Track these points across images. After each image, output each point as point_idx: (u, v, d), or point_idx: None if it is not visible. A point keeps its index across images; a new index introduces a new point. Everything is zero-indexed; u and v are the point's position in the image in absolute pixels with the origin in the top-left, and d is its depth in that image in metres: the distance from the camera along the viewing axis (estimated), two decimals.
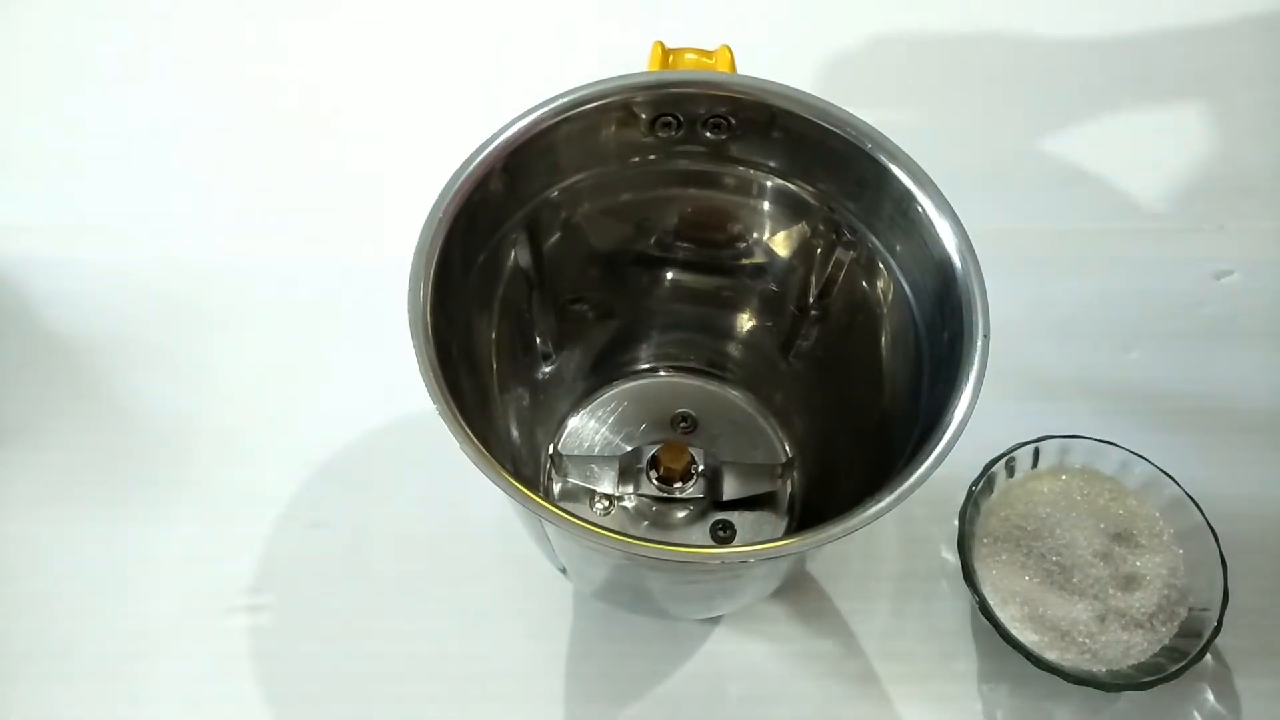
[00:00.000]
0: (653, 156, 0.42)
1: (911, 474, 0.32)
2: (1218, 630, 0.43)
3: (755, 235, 0.45)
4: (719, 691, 0.47)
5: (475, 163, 0.37)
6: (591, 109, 0.39)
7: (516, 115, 0.38)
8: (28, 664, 0.47)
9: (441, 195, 0.36)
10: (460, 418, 0.32)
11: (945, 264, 0.36)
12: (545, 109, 0.38)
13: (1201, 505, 0.46)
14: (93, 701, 0.46)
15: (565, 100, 0.38)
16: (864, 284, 0.42)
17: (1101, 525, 0.47)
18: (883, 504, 0.31)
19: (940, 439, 0.33)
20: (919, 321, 0.39)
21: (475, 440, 0.31)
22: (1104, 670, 0.44)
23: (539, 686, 0.47)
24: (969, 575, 0.45)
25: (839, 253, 0.42)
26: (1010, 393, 0.51)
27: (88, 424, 0.53)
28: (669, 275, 0.47)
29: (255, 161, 0.63)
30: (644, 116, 0.40)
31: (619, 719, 0.46)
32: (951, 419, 0.33)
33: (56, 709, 0.46)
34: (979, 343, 0.34)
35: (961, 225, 0.36)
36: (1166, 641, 0.45)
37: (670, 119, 0.40)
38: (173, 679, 0.47)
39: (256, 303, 0.57)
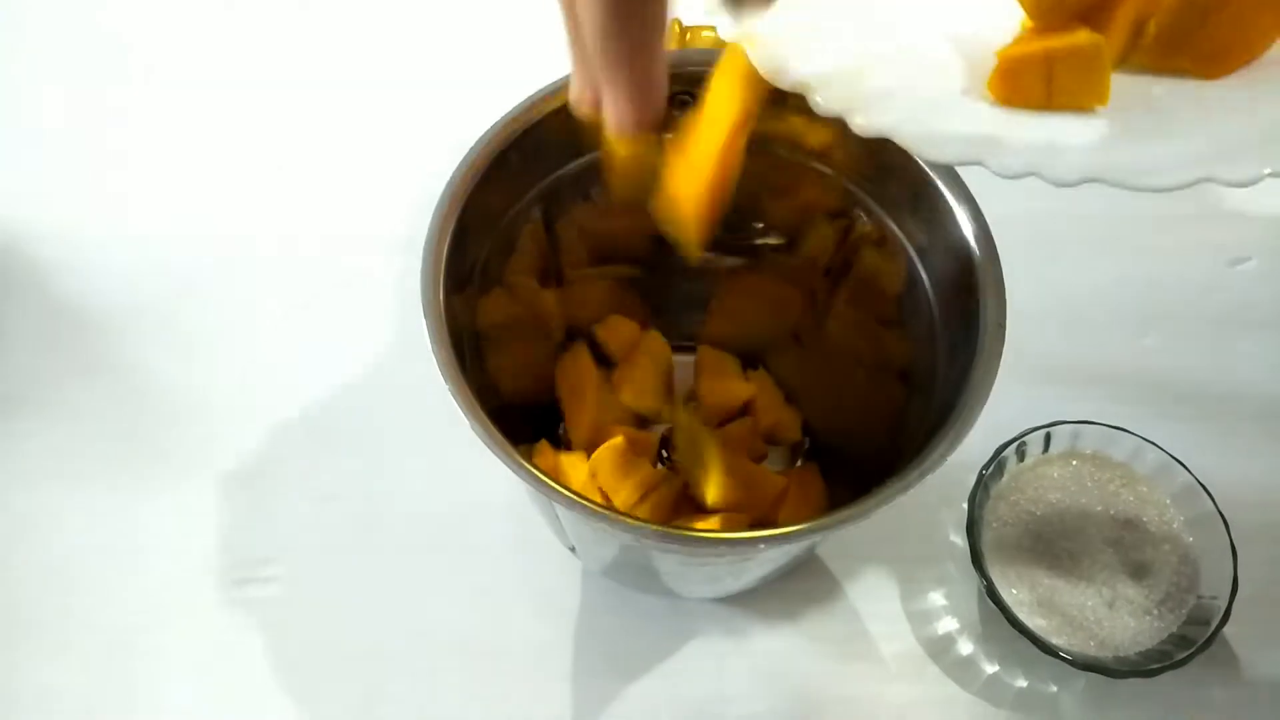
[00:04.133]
0: (668, 135, 0.41)
1: (924, 461, 0.32)
2: (1226, 619, 0.43)
3: (771, 215, 0.44)
4: (724, 668, 0.47)
5: (486, 142, 0.37)
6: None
7: (528, 95, 0.38)
8: (39, 633, 0.48)
9: (454, 177, 0.36)
10: (474, 399, 0.32)
11: (963, 250, 0.36)
12: (557, 87, 0.38)
13: (1213, 493, 0.45)
14: (103, 671, 0.47)
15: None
16: (880, 267, 0.42)
17: (1111, 512, 0.47)
18: (893, 491, 0.31)
19: (953, 427, 0.33)
20: (935, 306, 0.38)
21: (488, 421, 0.31)
22: (1111, 656, 0.44)
23: (546, 661, 0.47)
24: (977, 559, 0.45)
25: (856, 235, 0.42)
26: (1023, 376, 0.50)
27: (97, 395, 0.53)
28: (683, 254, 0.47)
29: (268, 134, 0.62)
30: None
31: (625, 694, 0.46)
32: (966, 406, 0.33)
33: (67, 678, 0.47)
34: (995, 331, 0.34)
35: (980, 212, 0.36)
36: (1174, 629, 0.44)
37: (686, 98, 0.40)
38: (182, 650, 0.47)
39: (268, 274, 0.57)
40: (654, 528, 0.31)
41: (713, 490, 0.42)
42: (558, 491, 0.31)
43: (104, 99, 0.64)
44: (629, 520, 0.31)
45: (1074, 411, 0.48)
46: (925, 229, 0.38)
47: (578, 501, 0.31)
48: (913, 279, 0.39)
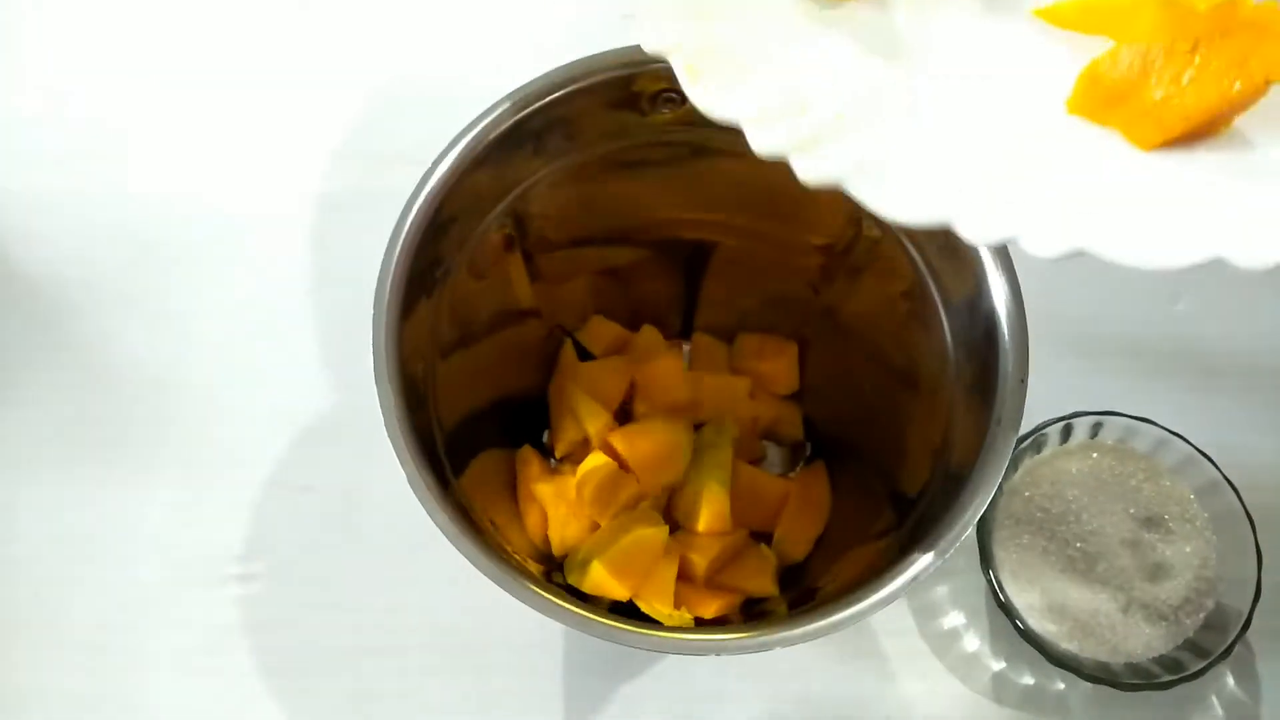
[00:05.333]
0: (647, 137, 0.36)
1: (939, 540, 0.30)
2: (1246, 626, 0.41)
3: (768, 221, 0.40)
4: (721, 664, 0.45)
5: (444, 166, 0.33)
6: (574, 90, 0.34)
7: (489, 106, 0.33)
8: (10, 633, 0.46)
9: (403, 215, 0.32)
10: (436, 488, 0.29)
11: (986, 301, 0.32)
12: (524, 94, 0.33)
13: (1242, 481, 0.42)
14: (84, 673, 0.46)
15: (542, 84, 0.33)
16: (888, 280, 0.37)
17: (1131, 510, 0.44)
18: (887, 593, 0.29)
19: (965, 509, 0.29)
20: (950, 342, 0.34)
21: (473, 538, 0.29)
22: (1122, 663, 0.42)
23: (538, 659, 0.46)
24: (987, 559, 0.43)
25: (861, 246, 0.38)
26: (1045, 351, 0.47)
27: (61, 378, 0.50)
28: (673, 258, 0.43)
29: (236, 93, 0.56)
30: (643, 94, 0.35)
31: (617, 693, 0.45)
32: (978, 480, 0.30)
33: (45, 681, 0.46)
34: (1016, 387, 0.31)
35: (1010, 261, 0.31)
36: (1190, 634, 0.43)
37: (673, 95, 0.35)
38: (164, 651, 0.46)
39: (232, 243, 0.52)
40: (622, 626, 0.29)
41: (705, 519, 0.40)
42: (568, 612, 0.29)
43: (56, 60, 0.57)
44: (639, 631, 0.28)
45: (1099, 388, 0.46)
46: (947, 258, 0.34)
47: (587, 619, 0.29)
48: (925, 299, 0.35)
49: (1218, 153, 0.23)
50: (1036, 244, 0.22)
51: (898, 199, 0.23)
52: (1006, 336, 0.31)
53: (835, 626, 0.29)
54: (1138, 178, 0.23)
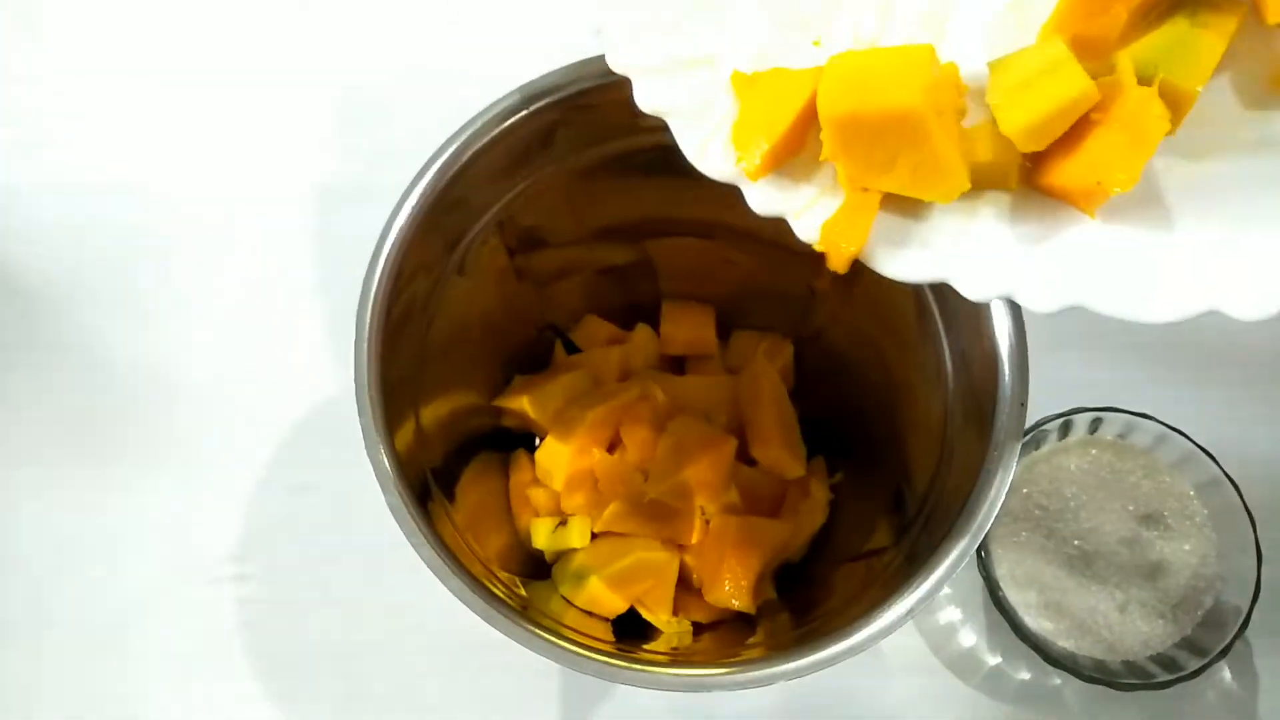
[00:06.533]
0: (641, 141, 0.35)
1: (932, 572, 0.29)
2: (1245, 624, 0.41)
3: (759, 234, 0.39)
4: None
5: (427, 178, 0.32)
6: (563, 98, 0.32)
7: (476, 113, 0.32)
8: (10, 634, 0.46)
9: (381, 237, 0.32)
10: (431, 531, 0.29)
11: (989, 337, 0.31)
12: (507, 105, 0.32)
13: (1242, 477, 0.42)
14: (81, 673, 0.46)
15: (528, 92, 0.32)
16: (882, 280, 0.36)
17: (1130, 507, 0.44)
18: (886, 623, 0.28)
19: (961, 540, 0.29)
20: (949, 358, 0.34)
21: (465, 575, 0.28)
22: (1119, 662, 0.42)
23: (532, 658, 0.45)
24: (984, 556, 0.43)
25: None
26: (1043, 345, 0.46)
27: (57, 378, 0.50)
28: (666, 262, 0.42)
29: (234, 92, 0.54)
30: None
31: (616, 692, 0.45)
32: (972, 514, 0.29)
33: (43, 681, 0.46)
34: (1016, 410, 0.30)
35: None
36: (1188, 632, 0.42)
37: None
38: (161, 650, 0.46)
39: (229, 242, 0.51)
40: (617, 664, 0.28)
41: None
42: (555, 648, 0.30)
43: (54, 59, 0.55)
44: (636, 669, 0.28)
45: (1094, 382, 0.45)
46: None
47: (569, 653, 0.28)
48: (924, 309, 0.35)
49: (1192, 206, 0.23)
50: (1033, 300, 0.23)
51: (897, 260, 0.23)
52: (1005, 358, 0.30)
53: (832, 660, 0.28)
54: (1125, 234, 0.23)
